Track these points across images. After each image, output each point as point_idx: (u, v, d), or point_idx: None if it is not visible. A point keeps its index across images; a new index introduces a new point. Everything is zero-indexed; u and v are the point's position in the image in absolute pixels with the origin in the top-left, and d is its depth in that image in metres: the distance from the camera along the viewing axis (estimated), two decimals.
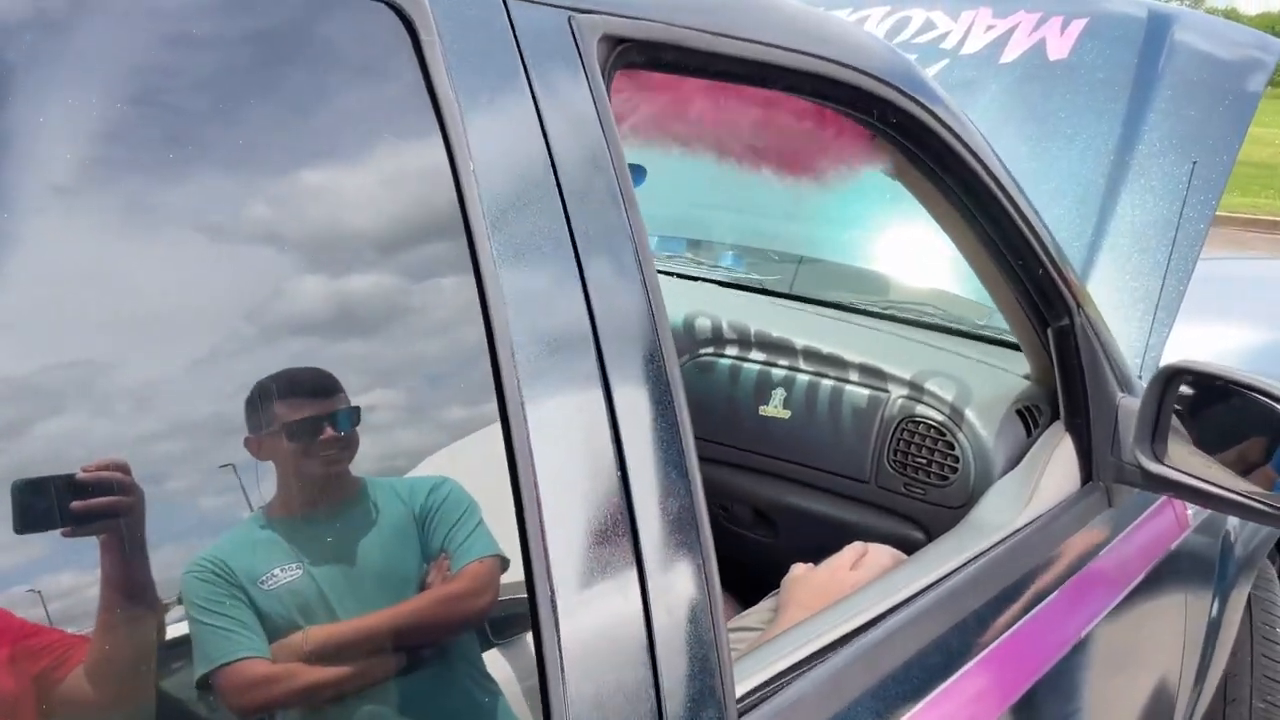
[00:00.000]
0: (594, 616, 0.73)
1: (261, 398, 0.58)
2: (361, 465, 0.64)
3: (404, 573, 0.66)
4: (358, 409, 0.62)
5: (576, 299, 0.75)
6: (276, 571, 0.60)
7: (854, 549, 1.36)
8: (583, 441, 0.74)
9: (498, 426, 0.69)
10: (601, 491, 0.75)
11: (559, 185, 0.76)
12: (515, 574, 0.69)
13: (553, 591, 0.70)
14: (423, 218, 0.70)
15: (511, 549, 0.69)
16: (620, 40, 0.84)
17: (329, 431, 0.61)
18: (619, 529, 0.75)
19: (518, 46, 0.75)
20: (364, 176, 0.67)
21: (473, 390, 0.69)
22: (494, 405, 0.69)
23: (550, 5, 0.78)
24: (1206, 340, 3.48)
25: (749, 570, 1.76)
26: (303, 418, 0.60)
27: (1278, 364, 3.40)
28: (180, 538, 0.57)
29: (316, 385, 0.62)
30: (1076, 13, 2.38)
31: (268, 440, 0.59)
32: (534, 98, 0.75)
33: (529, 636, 0.69)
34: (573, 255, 0.75)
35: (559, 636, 0.69)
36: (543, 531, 0.70)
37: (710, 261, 2.40)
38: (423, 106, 0.69)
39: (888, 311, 1.96)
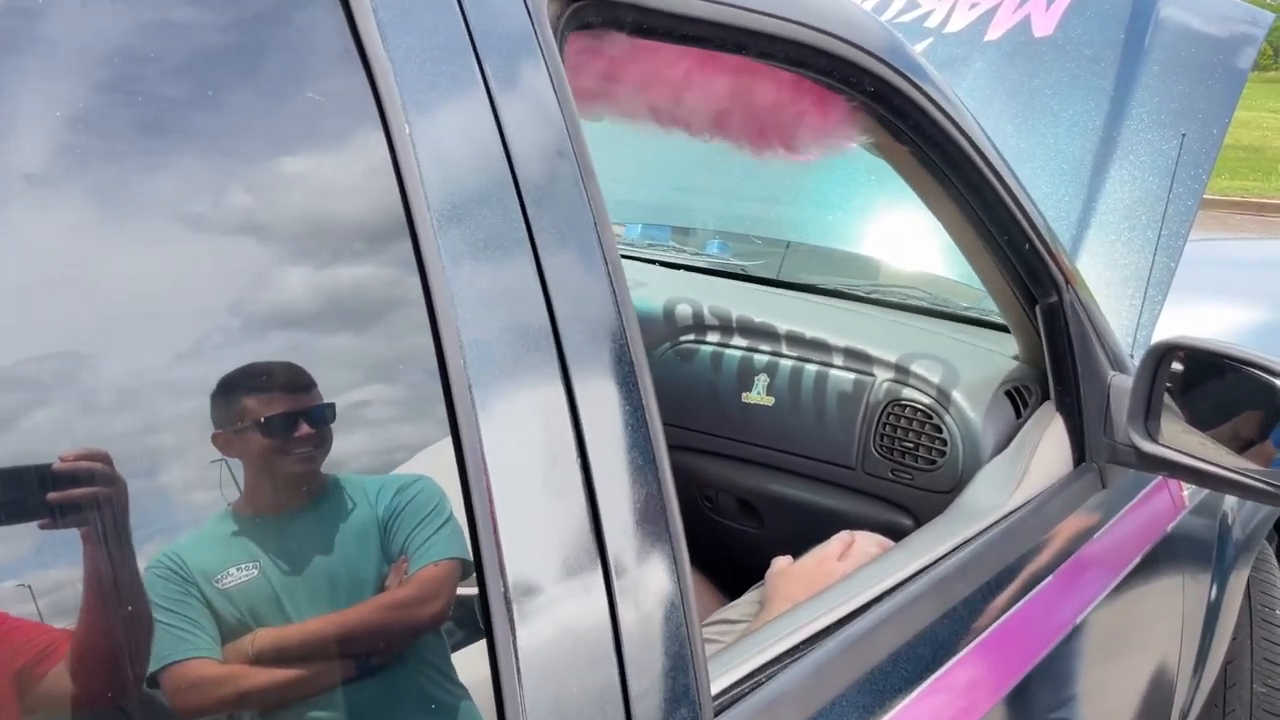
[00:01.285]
0: (554, 616, 0.68)
1: (231, 392, 0.56)
2: (342, 459, 0.61)
3: (361, 575, 0.63)
4: (332, 405, 0.59)
5: (533, 287, 0.70)
6: (232, 570, 0.58)
7: (841, 538, 1.32)
8: (539, 433, 0.69)
9: (448, 426, 0.64)
10: (560, 483, 0.69)
11: (509, 159, 0.70)
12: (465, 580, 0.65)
13: (506, 590, 0.65)
14: (356, 202, 0.65)
15: (462, 546, 0.65)
16: None
17: (302, 428, 0.59)
18: (580, 522, 0.70)
19: (459, 3, 0.70)
20: (289, 157, 0.62)
21: (423, 385, 0.65)
22: (441, 398, 0.64)
23: None
24: (1200, 321, 3.45)
25: (734, 561, 1.72)
26: (274, 413, 0.58)
27: (1273, 342, 3.37)
28: (145, 534, 0.54)
29: (290, 380, 0.59)
30: None
31: (236, 435, 0.57)
32: (479, 62, 0.70)
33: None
34: (527, 241, 0.70)
35: (514, 638, 0.65)
36: (494, 526, 0.65)
37: (696, 248, 2.36)
38: (355, 74, 0.63)
39: (873, 295, 1.92)
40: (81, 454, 0.51)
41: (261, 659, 0.58)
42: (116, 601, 0.53)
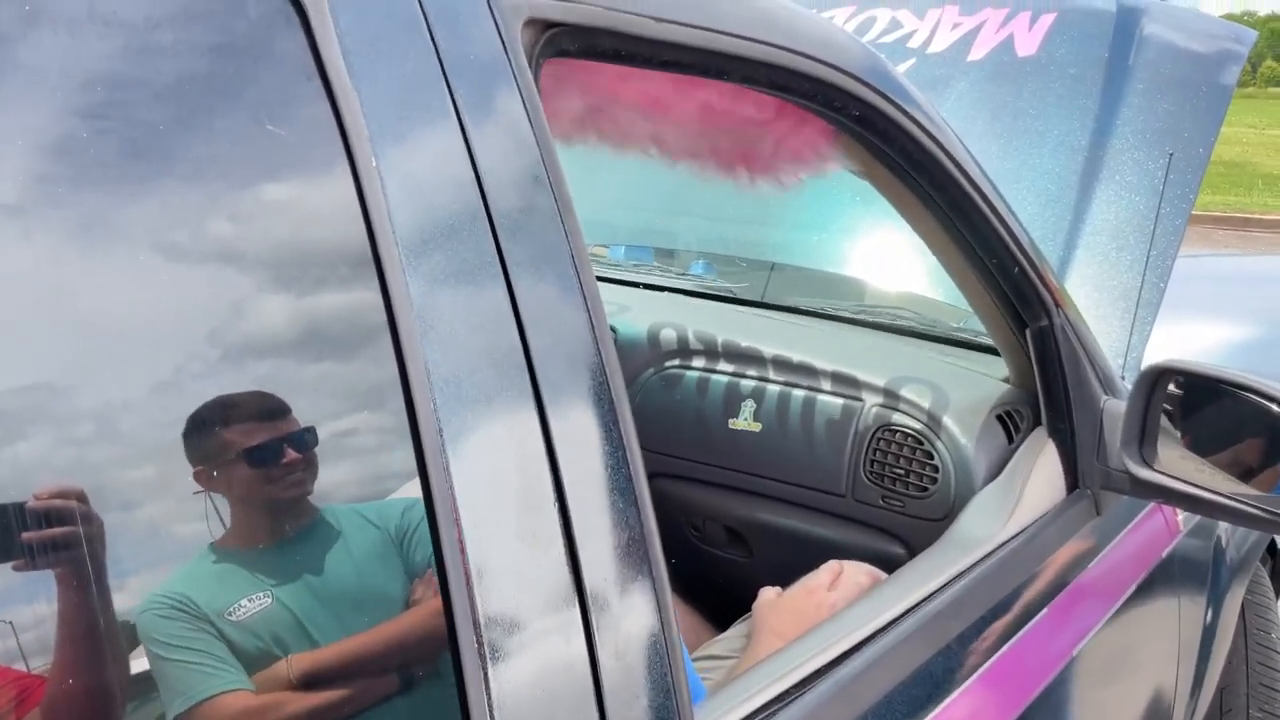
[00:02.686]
0: (529, 665, 0.65)
1: (207, 425, 0.55)
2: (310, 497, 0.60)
3: (387, 592, 0.64)
4: (313, 429, 0.58)
5: (507, 319, 0.67)
6: (244, 602, 0.57)
7: (829, 568, 1.29)
8: (513, 472, 0.66)
9: (417, 461, 0.62)
10: (536, 523, 0.66)
11: (481, 188, 0.67)
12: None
13: (479, 639, 0.62)
14: (320, 233, 0.62)
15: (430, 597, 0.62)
16: (549, 25, 0.76)
17: (288, 454, 0.58)
18: (558, 566, 0.67)
19: (429, 31, 0.67)
20: (249, 190, 0.59)
21: (391, 422, 0.62)
22: (411, 438, 0.62)
23: None
24: (1188, 339, 3.45)
25: (723, 591, 1.68)
26: (256, 443, 0.57)
27: (1260, 360, 3.37)
28: (133, 573, 0.53)
29: (269, 409, 0.58)
30: (1044, 8, 2.34)
31: (219, 468, 0.56)
32: (449, 90, 0.67)
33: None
34: (500, 273, 0.67)
35: (488, 691, 0.61)
36: (465, 569, 0.62)
37: (681, 270, 2.34)
38: (318, 103, 0.61)
39: (861, 316, 1.90)
40: (56, 491, 0.50)
41: (301, 683, 0.58)
42: (102, 644, 0.52)
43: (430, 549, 0.62)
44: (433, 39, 0.67)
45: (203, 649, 0.55)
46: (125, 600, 0.52)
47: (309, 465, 0.59)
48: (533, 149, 0.72)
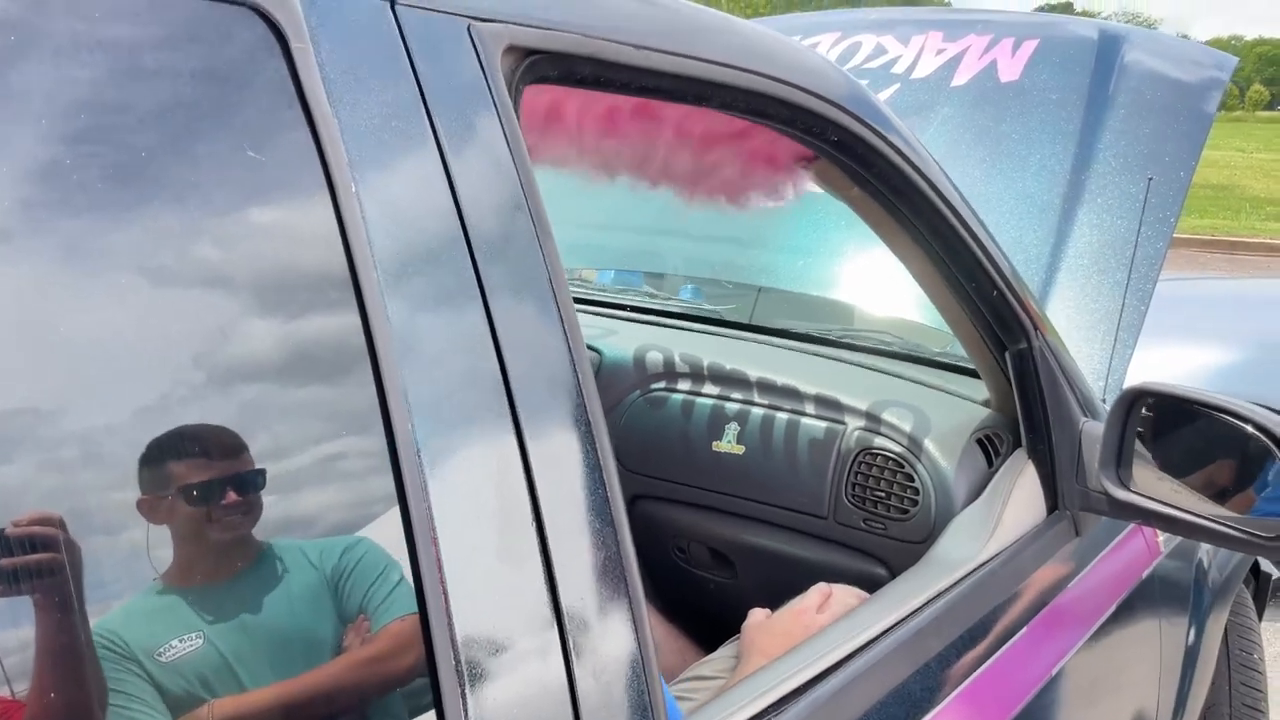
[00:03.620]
0: (507, 686, 0.65)
1: (156, 456, 0.54)
2: (282, 522, 0.59)
3: (318, 636, 0.61)
4: (263, 471, 0.57)
5: (486, 345, 0.68)
6: (174, 643, 0.55)
7: (819, 590, 1.29)
8: (492, 495, 0.67)
9: (397, 489, 0.62)
10: (514, 546, 0.67)
11: (461, 215, 0.68)
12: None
13: (457, 661, 0.62)
14: (302, 260, 0.62)
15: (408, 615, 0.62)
16: (529, 52, 0.77)
17: (230, 495, 0.57)
18: (536, 587, 0.68)
19: (409, 58, 0.68)
20: (231, 215, 0.60)
21: (371, 449, 0.63)
22: (391, 466, 0.62)
23: (446, 12, 0.71)
24: (1174, 361, 3.47)
25: (709, 612, 1.69)
26: (201, 479, 0.55)
27: (1247, 382, 3.39)
28: (70, 609, 0.51)
29: (217, 444, 0.57)
30: (1027, 34, 2.36)
31: (162, 502, 0.54)
32: (430, 117, 0.68)
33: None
34: (480, 300, 0.68)
35: (465, 712, 0.62)
36: (444, 592, 0.62)
37: (669, 294, 2.35)
38: (299, 129, 0.62)
39: (845, 340, 1.91)
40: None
41: None
42: (39, 681, 0.50)
43: (364, 590, 0.61)
44: (413, 66, 0.69)
45: (128, 690, 0.53)
46: (60, 637, 0.51)
47: (276, 499, 0.58)
48: (512, 174, 0.73)
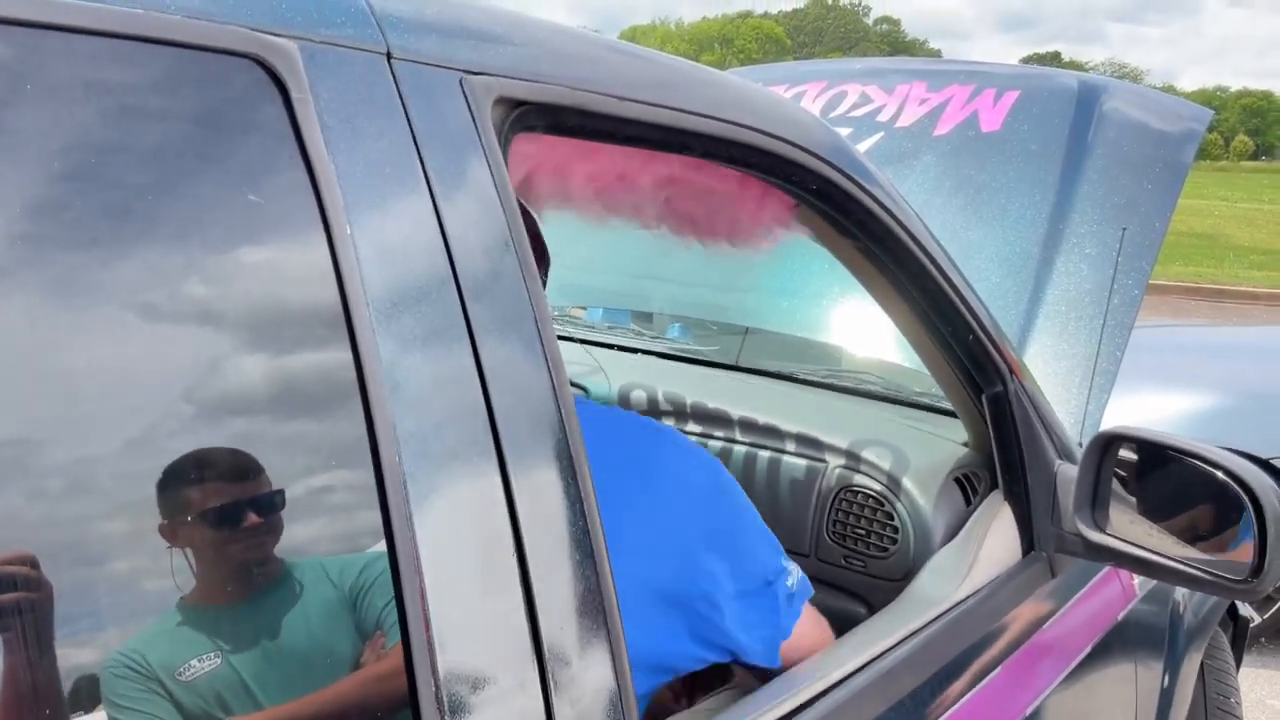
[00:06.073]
0: (487, 716, 0.67)
1: (176, 482, 0.56)
2: (300, 541, 0.62)
3: (337, 654, 0.64)
4: (282, 491, 0.60)
5: (473, 387, 0.71)
6: (194, 662, 0.57)
7: None
8: (475, 530, 0.69)
9: (383, 520, 0.65)
10: (496, 579, 0.69)
11: (451, 259, 0.71)
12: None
13: (438, 692, 0.64)
14: (298, 301, 0.65)
15: (392, 649, 0.64)
16: (517, 103, 0.81)
17: (249, 517, 0.59)
18: (517, 619, 0.70)
19: (404, 108, 0.71)
20: (231, 256, 0.62)
21: (358, 481, 0.65)
22: (378, 500, 0.64)
23: (439, 66, 0.75)
24: (1153, 408, 3.51)
25: None
26: (222, 503, 0.58)
27: (1225, 429, 3.43)
28: (94, 631, 0.54)
29: (236, 468, 0.59)
30: (1009, 86, 2.42)
31: (183, 526, 0.57)
32: (423, 165, 0.72)
33: None
34: (467, 338, 0.71)
35: None
36: (426, 623, 0.64)
37: (655, 333, 2.38)
38: (297, 175, 0.65)
39: (829, 380, 1.94)
40: (13, 556, 0.50)
41: None
42: (61, 704, 0.52)
43: (380, 606, 0.63)
44: (407, 115, 0.72)
45: (148, 710, 0.55)
46: (88, 657, 0.53)
47: (273, 525, 0.60)
48: (500, 219, 0.76)
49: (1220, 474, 1.33)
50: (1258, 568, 1.26)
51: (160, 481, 0.56)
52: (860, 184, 1.16)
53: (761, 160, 1.06)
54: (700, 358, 2.14)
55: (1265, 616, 3.64)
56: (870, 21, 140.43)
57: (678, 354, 2.15)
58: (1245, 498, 1.28)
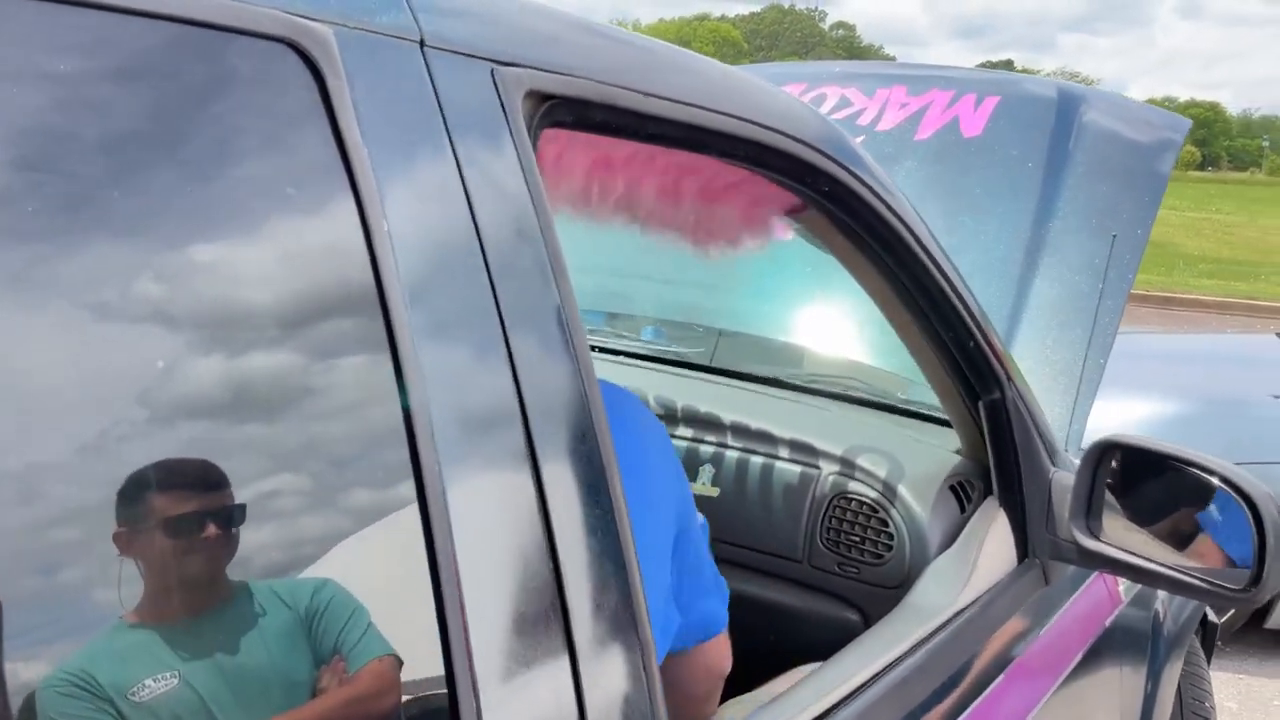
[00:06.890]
0: (520, 713, 0.65)
1: (137, 488, 0.52)
2: (267, 557, 0.58)
3: (295, 677, 0.60)
4: (242, 506, 0.56)
5: (503, 375, 0.69)
6: (148, 681, 0.53)
7: None
8: (510, 529, 0.67)
9: (415, 514, 0.62)
10: (531, 583, 0.67)
11: (483, 250, 0.69)
12: (418, 673, 0.63)
13: (475, 691, 0.62)
14: (331, 285, 0.63)
15: (430, 646, 0.62)
16: (547, 97, 0.78)
17: (210, 529, 0.55)
18: (550, 624, 0.68)
19: (436, 98, 0.69)
20: (265, 241, 0.60)
21: (389, 476, 0.63)
22: (412, 492, 0.62)
23: (471, 56, 0.72)
24: (1119, 413, 3.55)
25: None
26: (180, 513, 0.54)
27: (1187, 435, 3.48)
28: (39, 646, 0.50)
29: (198, 478, 0.55)
30: (989, 91, 2.43)
31: (139, 535, 0.52)
32: (455, 155, 0.69)
33: None
34: (499, 327, 0.69)
35: None
36: (465, 626, 0.62)
37: (630, 335, 2.36)
38: (331, 161, 0.62)
39: (812, 385, 1.93)
40: None
41: None
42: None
43: (338, 628, 0.60)
44: (439, 104, 0.69)
45: None
46: (31, 673, 0.49)
47: (234, 537, 0.56)
48: (529, 209, 0.74)
49: (1216, 480, 1.33)
50: (1256, 576, 1.27)
51: (125, 487, 0.52)
52: (873, 189, 1.15)
53: (779, 162, 1.05)
54: (676, 359, 2.11)
55: (1223, 619, 3.70)
56: (826, 26, 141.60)
57: (653, 356, 2.13)
58: (1245, 506, 1.29)
